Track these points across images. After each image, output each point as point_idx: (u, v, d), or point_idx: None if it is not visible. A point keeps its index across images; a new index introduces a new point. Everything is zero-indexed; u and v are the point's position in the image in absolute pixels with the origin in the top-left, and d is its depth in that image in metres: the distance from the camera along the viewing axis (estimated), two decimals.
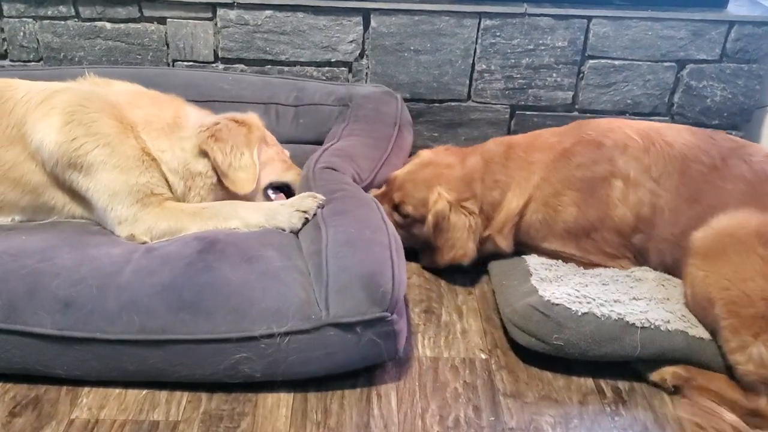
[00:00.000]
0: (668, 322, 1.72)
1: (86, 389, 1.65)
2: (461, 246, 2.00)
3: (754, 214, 1.72)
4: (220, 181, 1.94)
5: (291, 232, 1.87)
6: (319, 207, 1.86)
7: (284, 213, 1.88)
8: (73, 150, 1.81)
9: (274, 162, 2.09)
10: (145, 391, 1.65)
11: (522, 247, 2.06)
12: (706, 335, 1.71)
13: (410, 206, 2.05)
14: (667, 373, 1.70)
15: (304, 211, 1.87)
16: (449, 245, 2.01)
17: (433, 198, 2.01)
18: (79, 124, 1.82)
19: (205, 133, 1.91)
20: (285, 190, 2.12)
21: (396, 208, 2.08)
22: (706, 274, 1.68)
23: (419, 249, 2.15)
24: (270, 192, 2.08)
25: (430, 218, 2.01)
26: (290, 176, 2.11)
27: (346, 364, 1.65)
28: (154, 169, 1.89)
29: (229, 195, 1.96)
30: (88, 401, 1.62)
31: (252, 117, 2.06)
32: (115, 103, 1.91)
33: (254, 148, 1.97)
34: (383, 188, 2.14)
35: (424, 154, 2.16)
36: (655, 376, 1.72)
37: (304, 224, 1.87)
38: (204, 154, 1.91)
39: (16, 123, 1.86)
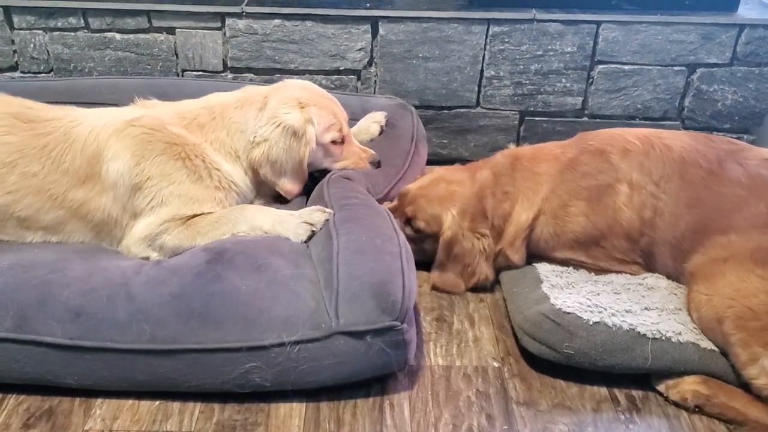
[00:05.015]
0: (680, 333, 1.70)
1: (99, 400, 1.65)
2: (480, 271, 2.03)
3: (749, 236, 1.75)
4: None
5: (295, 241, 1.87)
6: (326, 221, 1.86)
7: (291, 223, 1.88)
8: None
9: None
10: (158, 402, 1.65)
11: (532, 257, 2.05)
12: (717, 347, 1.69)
13: (423, 222, 2.06)
14: (688, 393, 1.65)
15: (312, 224, 1.87)
16: (469, 273, 2.04)
17: (446, 223, 2.02)
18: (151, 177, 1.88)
19: (256, 152, 1.94)
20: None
21: (408, 222, 2.08)
22: (709, 297, 1.70)
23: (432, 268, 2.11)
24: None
25: (442, 243, 2.03)
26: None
27: (355, 373, 1.65)
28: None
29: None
30: (102, 412, 1.62)
31: (308, 116, 1.96)
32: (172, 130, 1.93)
33: (305, 159, 1.98)
34: (395, 202, 2.15)
35: (438, 170, 2.18)
36: (675, 395, 1.67)
37: (309, 237, 1.86)
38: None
39: (89, 160, 1.88)
